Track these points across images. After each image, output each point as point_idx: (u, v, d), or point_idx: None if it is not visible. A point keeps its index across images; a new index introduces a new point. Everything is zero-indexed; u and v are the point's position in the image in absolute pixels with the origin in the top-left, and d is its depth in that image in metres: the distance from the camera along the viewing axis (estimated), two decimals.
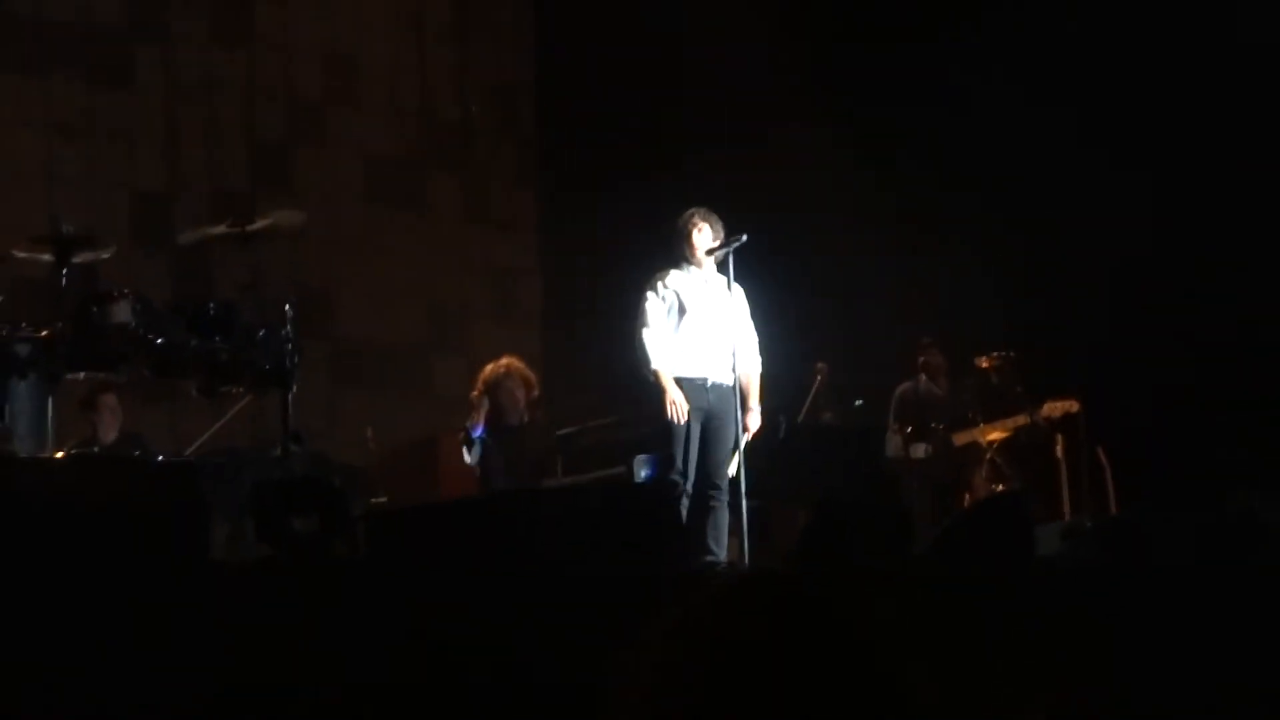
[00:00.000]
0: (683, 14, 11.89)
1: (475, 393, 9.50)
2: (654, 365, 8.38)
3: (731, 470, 8.32)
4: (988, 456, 9.98)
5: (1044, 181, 10.56)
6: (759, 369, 8.61)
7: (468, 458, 9.42)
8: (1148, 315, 10.21)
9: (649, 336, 8.42)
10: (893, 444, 10.25)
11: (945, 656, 1.60)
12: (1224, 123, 10.15)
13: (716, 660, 1.55)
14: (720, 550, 8.27)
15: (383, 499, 9.54)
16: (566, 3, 13.17)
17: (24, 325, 6.64)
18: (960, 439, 10.11)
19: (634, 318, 8.49)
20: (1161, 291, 10.15)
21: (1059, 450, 9.70)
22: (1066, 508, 9.34)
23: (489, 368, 9.58)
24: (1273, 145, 9.95)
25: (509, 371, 9.53)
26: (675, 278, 8.52)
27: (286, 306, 7.19)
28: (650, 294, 8.50)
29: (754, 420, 8.43)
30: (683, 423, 8.28)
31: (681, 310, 8.47)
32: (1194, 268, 10.17)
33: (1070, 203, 10.60)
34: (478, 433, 9.39)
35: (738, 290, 8.49)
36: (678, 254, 8.55)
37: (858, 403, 10.75)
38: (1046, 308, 10.56)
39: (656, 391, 8.35)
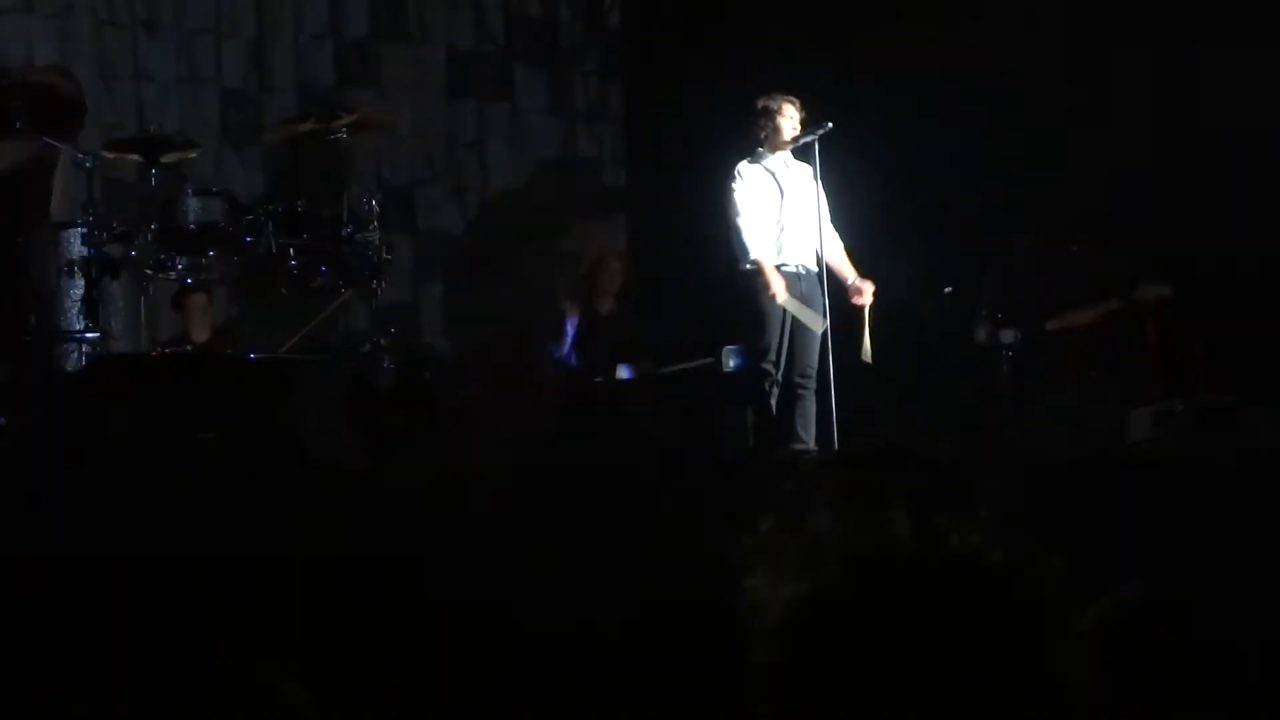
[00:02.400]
0: None
1: (571, 284, 9.54)
2: (754, 255, 8.30)
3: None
4: (1079, 341, 9.89)
5: (1133, 64, 10.39)
6: (841, 244, 8.56)
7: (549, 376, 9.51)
8: (1245, 195, 10.04)
9: (746, 225, 8.32)
10: (982, 330, 10.17)
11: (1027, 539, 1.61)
12: None
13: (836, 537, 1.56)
14: (809, 438, 8.26)
15: (473, 391, 9.61)
16: None
17: (115, 226, 6.72)
18: (1051, 324, 10.02)
19: (726, 207, 8.42)
20: (1258, 172, 9.97)
21: (1152, 334, 9.60)
22: (1159, 392, 9.25)
23: (591, 249, 9.59)
24: None
25: (612, 256, 9.56)
26: (756, 166, 8.45)
27: (373, 202, 7.23)
28: (738, 183, 8.41)
29: (866, 285, 8.42)
30: (784, 303, 8.22)
31: (766, 199, 8.41)
32: None
33: (1160, 82, 10.42)
34: (566, 346, 9.46)
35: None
36: (758, 139, 8.46)
37: (946, 289, 10.68)
38: (1139, 189, 10.41)
39: (752, 280, 8.31)
